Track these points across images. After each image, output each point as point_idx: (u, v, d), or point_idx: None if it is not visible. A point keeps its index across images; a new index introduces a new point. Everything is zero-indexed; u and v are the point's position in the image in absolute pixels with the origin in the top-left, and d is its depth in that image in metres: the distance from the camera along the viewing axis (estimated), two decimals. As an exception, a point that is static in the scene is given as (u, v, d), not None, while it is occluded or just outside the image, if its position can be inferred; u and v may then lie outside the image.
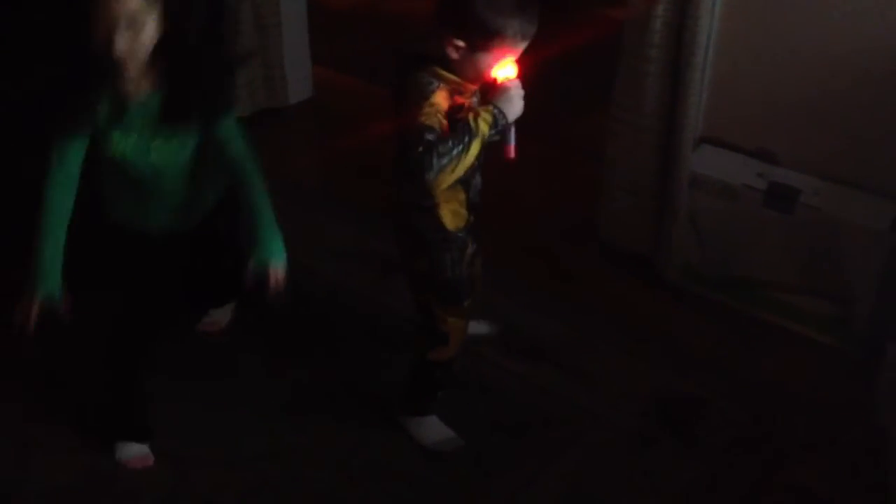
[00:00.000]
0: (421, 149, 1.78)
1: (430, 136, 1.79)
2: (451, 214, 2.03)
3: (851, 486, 2.23)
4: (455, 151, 1.80)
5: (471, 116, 1.84)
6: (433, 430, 2.33)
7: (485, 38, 1.79)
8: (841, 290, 2.57)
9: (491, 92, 1.89)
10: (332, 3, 4.85)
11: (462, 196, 2.02)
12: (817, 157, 2.62)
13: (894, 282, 2.47)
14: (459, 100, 1.87)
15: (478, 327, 2.49)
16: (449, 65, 1.86)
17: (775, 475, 2.25)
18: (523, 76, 1.90)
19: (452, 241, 2.06)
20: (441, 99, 1.83)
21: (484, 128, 1.84)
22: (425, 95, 1.82)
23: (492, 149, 1.92)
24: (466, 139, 1.81)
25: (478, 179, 2.06)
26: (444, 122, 1.82)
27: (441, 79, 1.85)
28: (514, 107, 1.88)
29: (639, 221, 2.90)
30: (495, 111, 1.85)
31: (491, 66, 1.84)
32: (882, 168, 2.52)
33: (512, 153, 1.92)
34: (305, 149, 3.81)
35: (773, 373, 2.55)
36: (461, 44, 1.81)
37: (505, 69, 1.86)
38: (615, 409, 2.42)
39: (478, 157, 1.87)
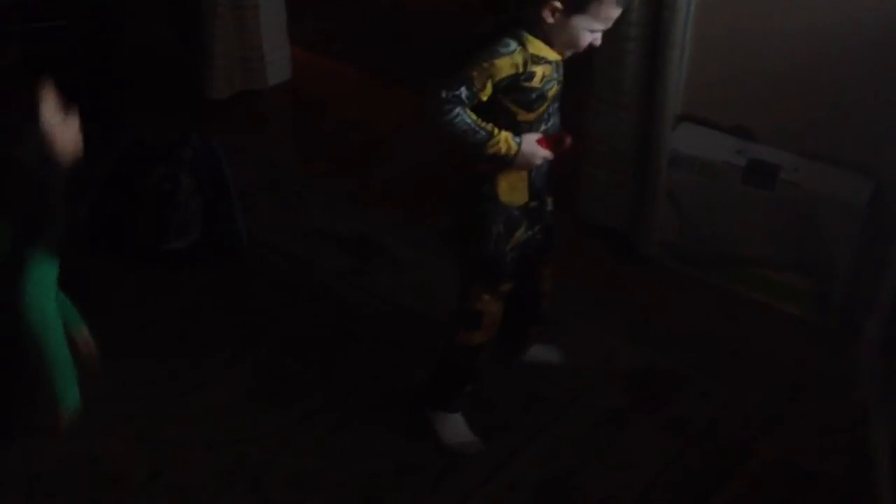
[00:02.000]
0: (444, 95, 1.83)
1: (462, 92, 1.83)
2: (509, 187, 2.02)
3: (832, 459, 2.24)
4: (459, 131, 1.86)
5: (501, 134, 1.89)
6: (456, 430, 2.25)
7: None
8: (819, 265, 2.58)
9: (533, 143, 1.95)
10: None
11: (524, 173, 2.02)
12: (796, 133, 2.62)
13: (872, 257, 2.48)
14: (533, 69, 1.89)
15: (546, 353, 2.46)
16: (540, 31, 1.88)
17: (755, 450, 2.26)
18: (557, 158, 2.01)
19: (502, 213, 2.03)
20: (506, 64, 1.85)
21: (495, 148, 1.90)
22: (493, 55, 1.84)
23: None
24: (473, 137, 1.87)
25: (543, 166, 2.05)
26: (487, 93, 1.86)
27: (524, 43, 1.87)
28: (527, 163, 1.96)
29: (619, 198, 2.89)
30: (515, 152, 1.92)
31: (585, 30, 1.87)
32: (860, 143, 2.52)
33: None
34: (284, 130, 3.78)
35: (752, 348, 2.56)
36: (559, 5, 1.83)
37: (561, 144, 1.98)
38: (593, 386, 2.43)
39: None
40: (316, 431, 2.31)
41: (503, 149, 1.91)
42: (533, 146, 1.95)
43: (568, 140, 1.99)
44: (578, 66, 2.91)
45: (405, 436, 2.29)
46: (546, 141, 1.97)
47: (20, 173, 1.72)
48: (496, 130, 1.90)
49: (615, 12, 1.88)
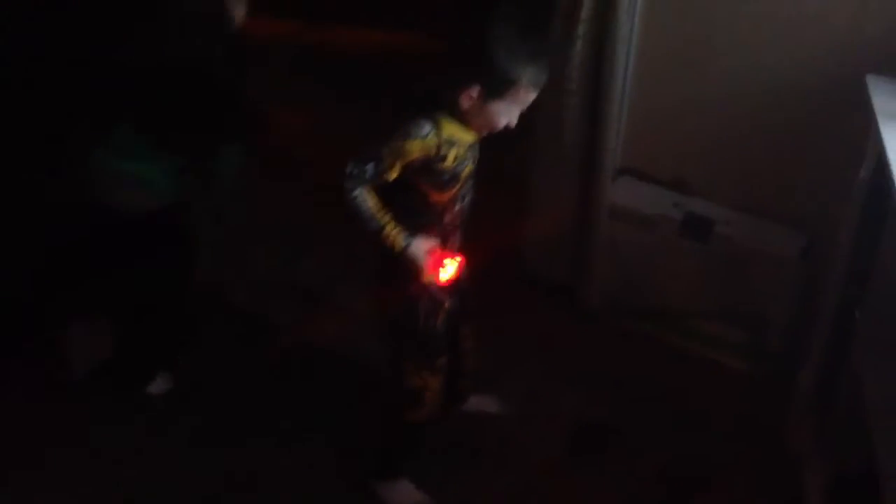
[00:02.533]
0: (350, 169, 1.82)
1: (368, 170, 1.82)
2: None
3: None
4: (355, 212, 1.85)
5: (392, 228, 1.87)
6: (405, 493, 2.24)
7: (502, 87, 1.80)
8: (754, 316, 2.64)
9: (425, 255, 1.92)
10: (255, 33, 4.82)
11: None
12: (730, 188, 2.70)
13: (804, 308, 2.54)
14: (446, 152, 1.87)
15: (485, 404, 2.46)
16: (457, 113, 1.86)
17: (693, 499, 2.28)
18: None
19: (425, 291, 2.00)
20: (418, 147, 1.83)
21: (387, 241, 1.88)
22: (406, 136, 1.82)
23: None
24: (367, 223, 1.86)
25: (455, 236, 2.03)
26: (395, 172, 1.84)
27: (438, 127, 1.85)
28: (412, 264, 1.92)
29: (560, 251, 2.93)
30: (400, 251, 1.89)
31: (501, 115, 1.85)
32: (792, 198, 2.60)
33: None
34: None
35: (690, 399, 2.60)
36: (475, 93, 1.81)
37: (448, 271, 1.97)
38: (534, 436, 2.44)
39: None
40: (260, 487, 2.28)
41: (392, 244, 1.88)
42: (420, 253, 1.91)
43: (458, 264, 1.98)
44: (519, 119, 2.99)
45: (354, 490, 2.28)
46: (435, 259, 1.94)
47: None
48: (389, 225, 1.87)
49: (531, 96, 1.87)
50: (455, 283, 2.04)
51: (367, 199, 1.84)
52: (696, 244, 2.64)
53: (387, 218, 1.87)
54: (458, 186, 1.93)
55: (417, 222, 1.91)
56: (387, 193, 1.87)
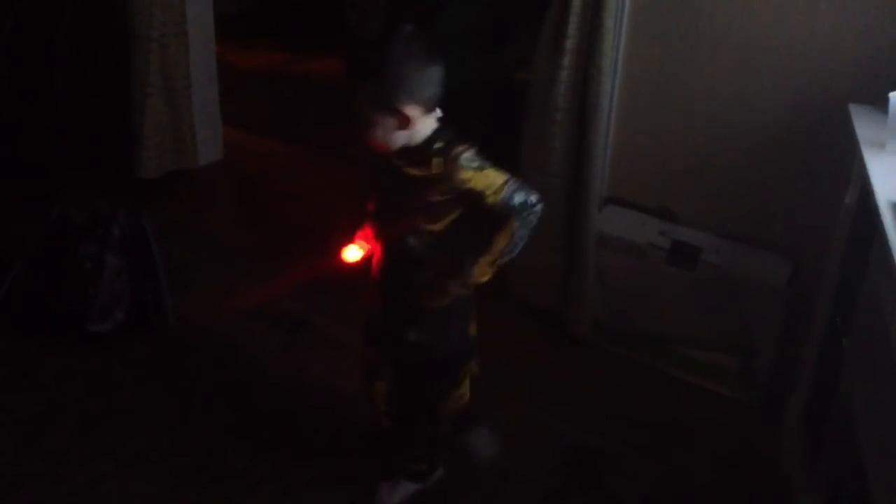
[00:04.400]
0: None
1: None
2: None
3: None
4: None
5: None
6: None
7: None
8: (742, 343, 2.66)
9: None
10: (241, 64, 4.86)
11: None
12: (715, 215, 2.72)
13: (793, 335, 2.56)
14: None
15: (477, 442, 2.39)
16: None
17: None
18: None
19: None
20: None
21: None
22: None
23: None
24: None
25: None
26: None
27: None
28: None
29: (548, 279, 2.94)
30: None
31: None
32: (778, 225, 2.63)
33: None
34: (216, 207, 3.76)
35: (681, 426, 2.60)
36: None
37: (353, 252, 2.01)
38: (526, 466, 2.42)
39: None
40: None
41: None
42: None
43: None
44: (506, 146, 3.01)
45: None
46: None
47: None
48: None
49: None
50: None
51: None
52: (684, 272, 2.66)
53: None
54: None
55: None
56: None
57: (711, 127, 2.64)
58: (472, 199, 1.84)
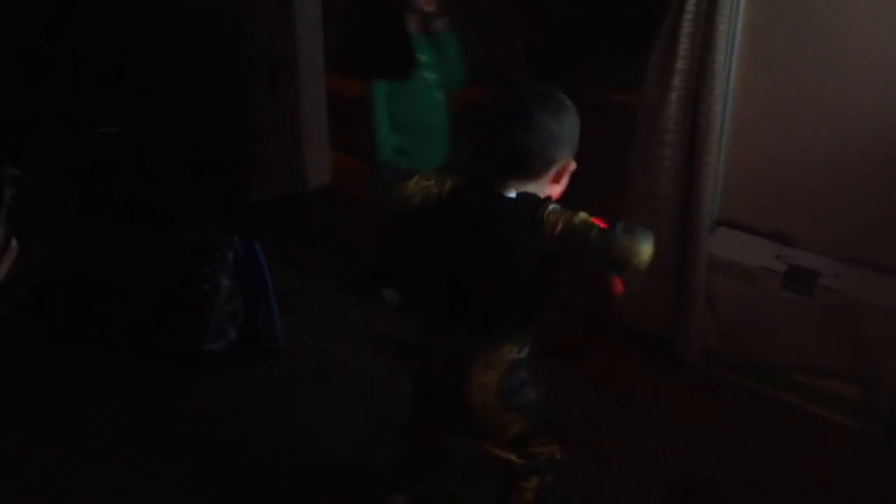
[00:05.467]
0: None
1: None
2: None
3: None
4: None
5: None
6: None
7: (577, 140, 1.77)
8: (864, 372, 2.55)
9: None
10: (344, 91, 4.95)
11: None
12: (835, 238, 2.63)
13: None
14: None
15: None
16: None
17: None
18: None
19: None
20: None
21: None
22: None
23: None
24: None
25: None
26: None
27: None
28: None
29: (657, 304, 2.89)
30: None
31: None
32: (900, 249, 2.52)
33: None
34: (326, 233, 3.84)
35: (795, 455, 2.51)
36: (571, 163, 1.78)
37: None
38: (634, 493, 2.38)
39: None
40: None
41: None
42: None
43: None
44: (615, 171, 2.98)
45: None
46: None
47: None
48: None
49: None
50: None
51: None
52: (801, 297, 2.57)
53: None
54: None
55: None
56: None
57: (828, 146, 2.56)
58: None
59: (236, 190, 3.90)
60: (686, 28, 2.53)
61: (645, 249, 1.67)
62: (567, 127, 1.73)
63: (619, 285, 1.80)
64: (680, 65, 2.58)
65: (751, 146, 2.70)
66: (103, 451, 2.52)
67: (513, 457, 1.95)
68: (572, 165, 1.78)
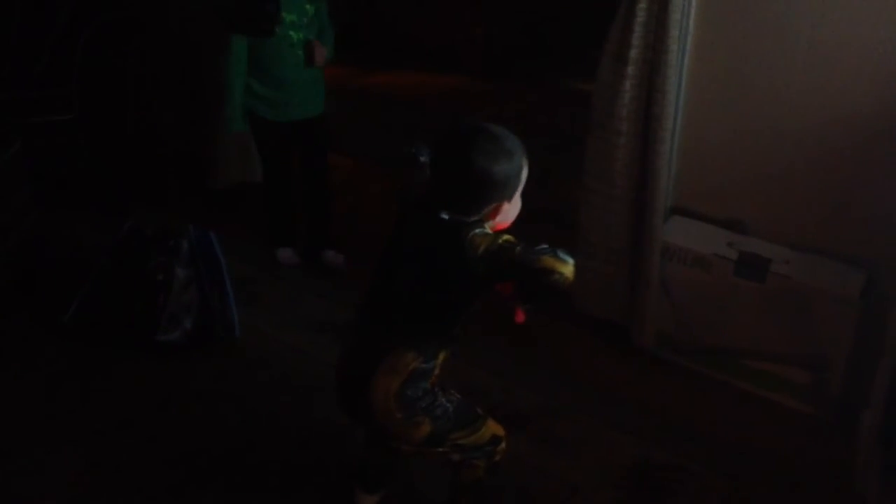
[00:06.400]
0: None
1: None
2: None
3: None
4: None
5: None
6: None
7: (517, 184, 1.83)
8: (814, 357, 2.59)
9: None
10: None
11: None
12: (786, 226, 2.66)
13: (866, 348, 2.49)
14: None
15: None
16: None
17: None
18: None
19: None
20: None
21: None
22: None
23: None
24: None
25: None
26: None
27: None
28: None
29: (612, 290, 2.92)
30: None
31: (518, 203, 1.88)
32: (850, 236, 2.56)
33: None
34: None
35: (750, 440, 2.55)
36: (503, 206, 1.82)
37: None
38: (591, 480, 2.40)
39: None
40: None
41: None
42: None
43: None
44: (571, 158, 3.00)
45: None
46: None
47: None
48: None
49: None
50: None
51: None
52: (752, 284, 2.61)
53: None
54: None
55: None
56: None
57: (781, 135, 2.59)
58: None
59: (191, 178, 3.86)
60: (640, 17, 2.55)
61: (568, 267, 1.74)
62: (503, 173, 1.78)
63: (520, 315, 1.91)
64: (634, 53, 2.59)
65: (704, 135, 2.73)
66: (54, 441, 2.49)
67: (440, 450, 1.98)
68: (506, 206, 1.84)
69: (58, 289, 3.06)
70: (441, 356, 1.92)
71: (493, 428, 2.05)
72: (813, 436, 2.56)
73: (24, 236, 3.40)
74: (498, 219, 1.85)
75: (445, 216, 1.81)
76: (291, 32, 3.08)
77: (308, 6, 3.11)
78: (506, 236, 1.77)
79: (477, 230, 1.79)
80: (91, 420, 2.58)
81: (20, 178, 3.46)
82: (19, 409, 2.63)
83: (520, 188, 1.85)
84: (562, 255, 1.74)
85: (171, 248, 2.94)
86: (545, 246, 1.75)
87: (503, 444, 2.07)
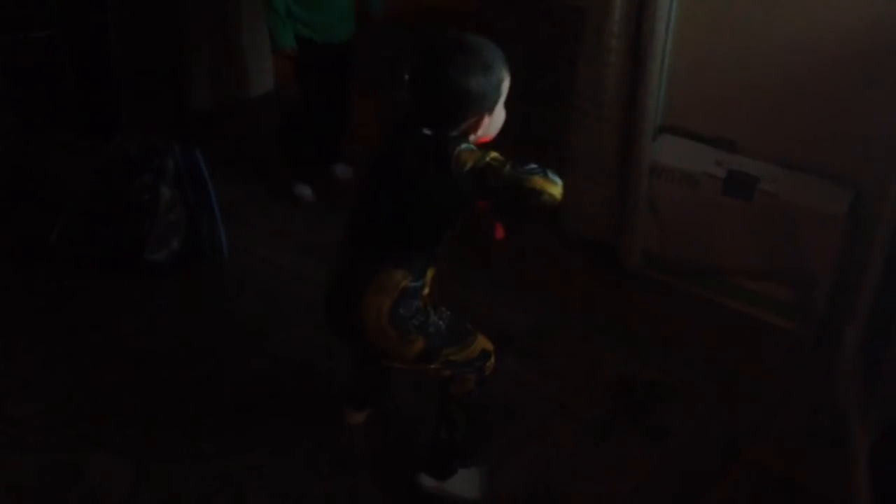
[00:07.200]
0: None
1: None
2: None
3: (814, 466, 2.25)
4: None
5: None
6: (475, 481, 2.18)
7: (497, 95, 1.79)
8: (800, 275, 2.61)
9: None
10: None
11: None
12: (775, 144, 2.65)
13: (851, 266, 2.50)
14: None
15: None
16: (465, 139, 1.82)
17: (737, 457, 2.28)
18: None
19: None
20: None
21: None
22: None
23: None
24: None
25: None
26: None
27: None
28: None
29: (600, 210, 2.91)
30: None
31: (502, 115, 1.85)
32: (838, 154, 2.55)
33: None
34: (270, 141, 3.78)
35: (735, 358, 2.58)
36: (485, 118, 1.79)
37: None
38: (577, 398, 2.43)
39: None
40: (305, 443, 2.29)
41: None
42: None
43: None
44: (560, 78, 2.96)
45: (390, 452, 2.29)
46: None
47: None
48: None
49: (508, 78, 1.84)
50: None
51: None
52: (740, 202, 2.61)
53: None
54: None
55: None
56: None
57: (770, 52, 2.56)
58: None
59: (177, 97, 3.81)
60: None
61: (557, 187, 1.72)
62: (479, 86, 1.74)
63: (500, 230, 1.90)
64: (625, -32, 2.54)
65: (695, 53, 2.69)
66: (45, 361, 2.51)
67: (432, 367, 2.00)
68: (487, 120, 1.80)
69: (44, 211, 3.04)
70: (429, 274, 1.92)
71: (482, 343, 2.06)
72: (797, 352, 2.59)
73: (10, 158, 3.37)
74: (479, 132, 1.82)
75: (427, 132, 1.79)
76: None
77: None
78: (493, 153, 1.75)
79: (463, 146, 1.76)
80: (78, 341, 2.60)
81: (3, 101, 3.41)
82: (4, 332, 2.64)
83: (501, 101, 1.81)
84: (551, 175, 1.72)
85: (156, 168, 2.91)
86: (534, 165, 1.72)
87: (492, 359, 2.09)
